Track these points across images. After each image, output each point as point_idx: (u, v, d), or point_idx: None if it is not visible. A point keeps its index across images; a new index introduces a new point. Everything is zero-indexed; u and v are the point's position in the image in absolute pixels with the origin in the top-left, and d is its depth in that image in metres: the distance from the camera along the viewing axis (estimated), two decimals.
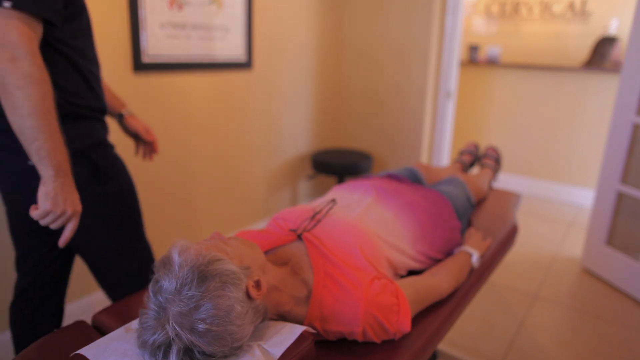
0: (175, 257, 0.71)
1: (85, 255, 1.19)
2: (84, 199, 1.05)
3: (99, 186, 1.12)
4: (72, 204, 0.99)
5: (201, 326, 0.66)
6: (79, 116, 1.09)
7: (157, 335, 0.66)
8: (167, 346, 0.66)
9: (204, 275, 0.69)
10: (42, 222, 0.97)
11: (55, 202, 0.96)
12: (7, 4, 0.86)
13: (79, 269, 1.86)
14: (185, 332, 0.66)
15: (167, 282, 0.68)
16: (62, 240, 1.02)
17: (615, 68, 3.38)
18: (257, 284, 0.77)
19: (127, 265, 1.22)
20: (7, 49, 0.87)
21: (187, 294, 0.67)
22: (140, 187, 2.03)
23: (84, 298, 1.90)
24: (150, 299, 0.70)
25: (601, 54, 3.46)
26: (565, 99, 3.55)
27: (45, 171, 0.94)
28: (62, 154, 0.95)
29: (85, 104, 1.10)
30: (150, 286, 0.71)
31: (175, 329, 0.65)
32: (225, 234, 2.53)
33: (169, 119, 2.09)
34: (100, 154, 1.13)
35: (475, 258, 1.27)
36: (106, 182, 1.14)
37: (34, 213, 0.97)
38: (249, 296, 0.74)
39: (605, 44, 3.45)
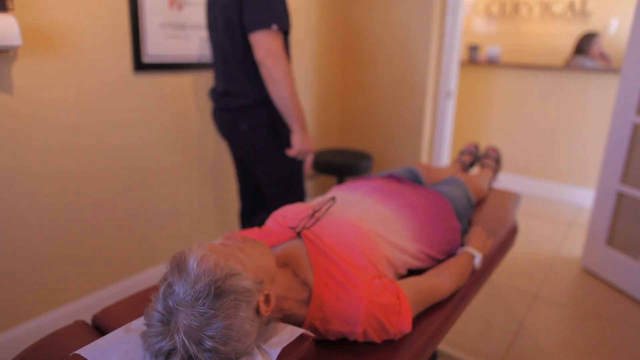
0: (193, 265, 0.69)
1: (263, 182, 1.82)
2: (274, 152, 1.71)
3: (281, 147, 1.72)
4: (309, 144, 1.66)
5: (209, 343, 0.66)
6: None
7: (164, 342, 0.66)
8: (171, 354, 0.67)
9: (220, 291, 0.68)
10: (298, 156, 1.68)
11: (303, 143, 1.64)
12: (274, 27, 1.48)
13: (80, 269, 1.86)
14: (193, 345, 0.66)
15: (181, 290, 0.67)
16: (307, 167, 1.73)
17: (609, 65, 3.39)
18: (267, 299, 0.77)
19: (281, 194, 1.81)
20: (273, 55, 1.48)
21: (200, 308, 0.66)
22: (138, 186, 2.03)
23: (84, 298, 1.90)
24: (158, 300, 0.68)
25: (580, 49, 3.53)
26: (565, 99, 3.55)
27: (295, 126, 1.61)
28: (302, 116, 1.61)
29: None
30: (162, 287, 0.69)
31: (183, 340, 0.65)
32: (224, 234, 2.52)
33: (168, 118, 2.09)
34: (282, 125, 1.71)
35: (477, 260, 1.26)
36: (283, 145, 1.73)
37: (291, 152, 1.66)
38: (258, 311, 0.74)
39: (584, 39, 3.53)
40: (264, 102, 1.65)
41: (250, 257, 0.79)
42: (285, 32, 1.55)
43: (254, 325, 0.73)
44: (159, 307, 0.68)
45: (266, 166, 1.75)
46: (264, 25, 1.47)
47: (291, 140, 1.66)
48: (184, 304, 0.66)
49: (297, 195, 1.82)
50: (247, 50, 1.58)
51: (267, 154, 1.72)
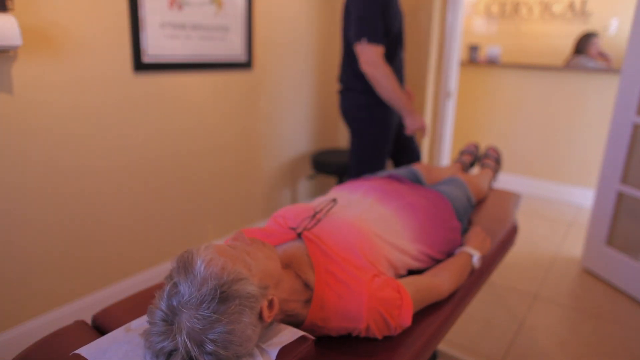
0: (200, 268, 0.69)
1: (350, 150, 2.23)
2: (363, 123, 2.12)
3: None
4: (419, 123, 2.06)
5: (210, 346, 0.66)
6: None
7: (166, 343, 0.66)
8: (172, 354, 0.67)
9: (225, 296, 0.68)
10: (411, 132, 2.09)
11: (414, 123, 2.05)
12: (364, 41, 1.86)
13: (80, 269, 1.86)
14: (194, 347, 0.66)
15: (186, 291, 0.67)
16: (421, 136, 2.19)
17: (609, 64, 3.39)
18: (271, 305, 0.76)
19: (357, 166, 2.17)
20: (369, 64, 1.89)
21: (204, 312, 0.66)
22: (139, 186, 2.03)
23: (84, 298, 1.90)
24: (163, 299, 0.68)
25: (578, 49, 3.55)
26: (565, 99, 3.55)
27: (403, 113, 2.02)
28: (406, 104, 1.99)
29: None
30: (167, 286, 0.69)
31: (186, 342, 0.65)
32: (224, 234, 2.53)
33: (168, 119, 2.09)
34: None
35: (476, 259, 1.26)
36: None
37: (408, 131, 2.08)
38: (260, 317, 0.74)
39: (582, 39, 3.55)
40: (363, 91, 2.05)
41: (257, 260, 0.79)
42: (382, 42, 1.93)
43: (256, 331, 0.73)
44: (163, 305, 0.68)
45: (352, 138, 2.18)
46: (357, 38, 1.87)
47: (405, 123, 2.07)
48: (188, 305, 0.66)
49: (369, 170, 2.19)
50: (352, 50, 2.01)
51: (357, 128, 2.14)
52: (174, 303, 0.67)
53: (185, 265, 0.70)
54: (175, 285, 0.68)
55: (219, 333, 0.66)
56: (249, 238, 0.85)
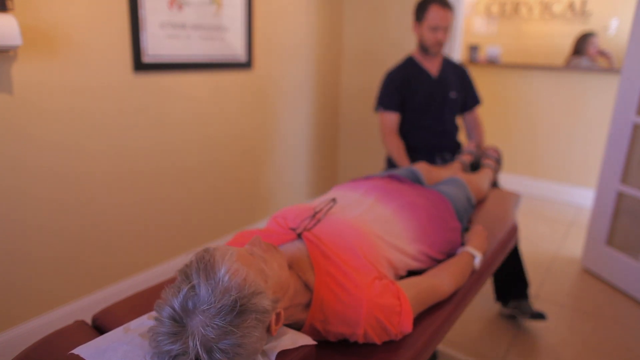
0: (224, 277, 0.68)
1: None
2: None
3: None
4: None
5: (218, 355, 0.66)
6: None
7: (176, 345, 0.65)
8: (179, 357, 0.66)
9: (243, 309, 0.67)
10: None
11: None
12: (381, 109, 2.25)
13: (80, 269, 1.86)
14: (203, 353, 0.65)
15: (205, 297, 0.66)
16: None
17: (610, 62, 3.39)
18: (278, 318, 0.76)
19: None
20: (387, 128, 2.26)
21: (220, 322, 0.65)
22: (138, 186, 2.03)
23: (84, 298, 1.90)
24: (177, 298, 0.66)
25: (577, 49, 3.57)
26: (565, 99, 3.55)
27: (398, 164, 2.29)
28: (400, 162, 2.21)
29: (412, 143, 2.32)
30: (185, 286, 0.67)
31: (198, 348, 0.65)
32: (224, 235, 2.52)
33: (168, 118, 2.09)
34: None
35: (477, 261, 1.26)
36: None
37: None
38: (268, 330, 0.74)
39: (580, 40, 3.58)
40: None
41: (273, 271, 0.79)
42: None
43: (262, 344, 0.73)
44: (176, 304, 0.66)
45: None
46: (376, 108, 2.31)
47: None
48: (205, 313, 0.65)
49: None
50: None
51: None
52: (189, 306, 0.66)
53: (206, 268, 0.68)
54: (193, 287, 0.67)
55: (230, 345, 0.66)
56: (265, 244, 0.84)
